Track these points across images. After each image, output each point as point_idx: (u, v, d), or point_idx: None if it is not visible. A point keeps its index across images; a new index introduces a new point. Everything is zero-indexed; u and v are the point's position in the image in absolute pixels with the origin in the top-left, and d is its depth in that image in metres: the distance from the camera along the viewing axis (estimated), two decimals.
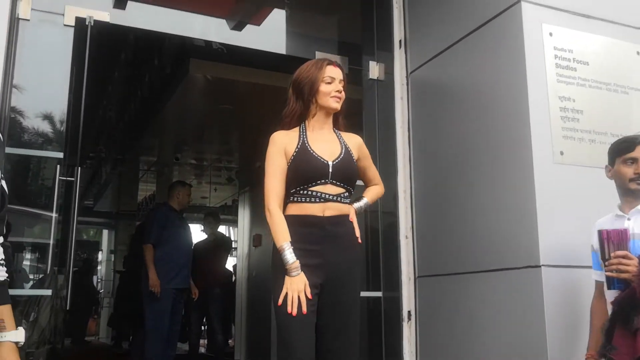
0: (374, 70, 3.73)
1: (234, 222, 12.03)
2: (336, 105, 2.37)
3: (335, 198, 2.29)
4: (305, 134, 2.37)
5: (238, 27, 3.74)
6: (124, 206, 10.73)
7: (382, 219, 3.50)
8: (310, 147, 2.33)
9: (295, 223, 2.25)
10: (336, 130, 2.46)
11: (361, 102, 3.80)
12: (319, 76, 2.35)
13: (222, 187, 11.38)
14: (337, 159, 2.33)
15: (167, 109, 6.59)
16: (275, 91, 5.35)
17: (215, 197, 12.45)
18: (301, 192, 2.28)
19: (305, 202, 2.27)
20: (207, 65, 5.52)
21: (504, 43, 2.87)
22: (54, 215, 2.87)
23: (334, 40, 3.92)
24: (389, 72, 3.68)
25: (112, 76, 5.96)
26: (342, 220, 2.30)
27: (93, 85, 3.14)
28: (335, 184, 2.30)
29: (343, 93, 2.39)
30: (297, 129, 2.39)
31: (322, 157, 2.31)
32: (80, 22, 3.05)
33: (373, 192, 2.53)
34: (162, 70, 5.88)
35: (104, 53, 5.16)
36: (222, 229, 8.18)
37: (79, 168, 3.06)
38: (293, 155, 2.30)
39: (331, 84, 2.36)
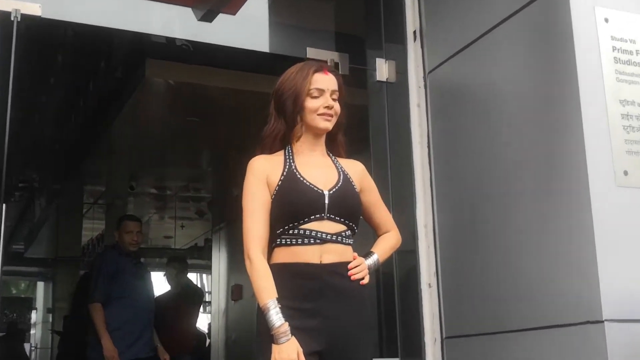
0: (382, 69, 3.76)
1: (206, 269, 12.00)
2: (325, 125, 2.41)
3: (334, 238, 2.31)
4: (292, 158, 2.40)
5: (207, 17, 3.78)
6: (64, 251, 10.69)
7: (397, 262, 3.50)
8: (299, 174, 2.36)
9: (284, 273, 2.26)
10: (331, 154, 2.49)
11: (366, 110, 3.83)
12: (303, 88, 2.38)
13: (190, 222, 11.38)
14: (334, 187, 2.36)
15: (118, 123, 6.63)
16: (257, 98, 5.34)
17: (183, 236, 12.43)
18: (290, 231, 2.29)
19: (297, 244, 2.28)
20: (169, 67, 5.57)
21: (547, 33, 2.89)
22: None
23: (331, 33, 3.96)
24: (401, 71, 3.71)
25: (47, 84, 6.00)
26: (344, 268, 2.31)
27: (22, 96, 3.16)
28: (334, 220, 2.32)
29: (337, 107, 2.42)
30: (281, 153, 2.43)
31: (315, 186, 2.34)
32: (4, 17, 3.07)
33: (386, 244, 2.54)
34: (111, 75, 5.93)
35: (35, 55, 5.21)
36: (191, 277, 8.16)
37: (4, 204, 3.07)
38: (278, 185, 2.33)
39: (319, 98, 2.40)
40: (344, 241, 2.33)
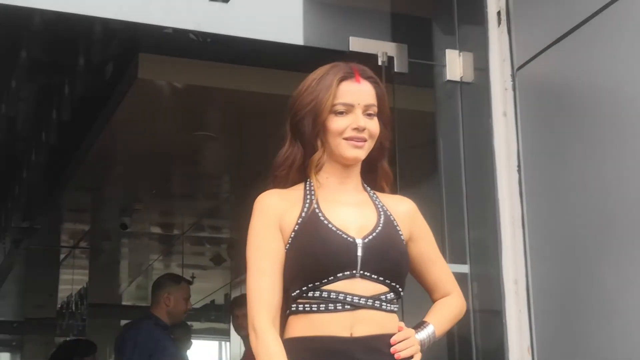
0: (455, 65, 3.75)
1: (223, 335, 11.98)
2: (354, 153, 2.40)
3: (370, 303, 2.29)
4: (314, 194, 2.39)
5: None
6: (34, 311, 10.85)
7: (477, 332, 3.46)
8: (323, 215, 2.35)
9: (302, 351, 2.25)
10: (368, 189, 2.49)
11: (432, 121, 3.82)
12: (324, 102, 2.37)
13: (204, 272, 11.43)
14: (370, 233, 2.35)
15: (103, 141, 6.70)
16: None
17: (194, 291, 12.45)
18: (310, 294, 2.29)
19: (319, 311, 2.28)
20: (170, 64, 5.61)
21: None
22: None
23: (382, 16, 3.95)
24: (481, 67, 3.70)
25: (7, 91, 6.09)
26: (385, 342, 2.29)
27: None
28: (370, 278, 2.31)
29: (372, 128, 2.40)
30: (300, 187, 2.44)
31: (344, 232, 2.33)
32: None
33: (445, 312, 2.53)
34: (91, 77, 5.98)
35: None
36: (206, 345, 8.16)
37: None
38: (294, 230, 2.33)
39: (346, 115, 2.38)
40: (384, 307, 2.31)
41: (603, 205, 3.11)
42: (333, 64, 2.49)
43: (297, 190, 2.41)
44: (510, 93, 3.59)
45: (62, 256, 10.57)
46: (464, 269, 3.46)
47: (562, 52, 3.35)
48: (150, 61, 5.53)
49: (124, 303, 11.98)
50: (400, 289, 2.37)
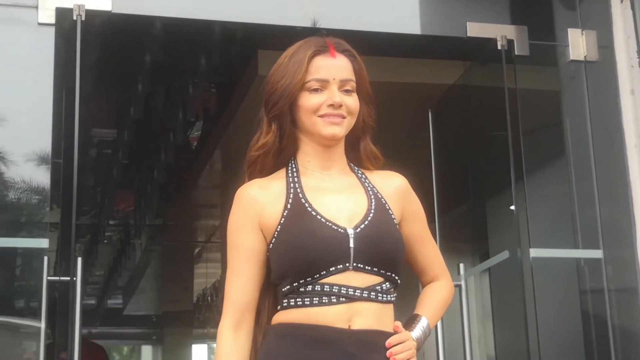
0: (578, 44, 3.70)
1: None
2: (331, 130, 2.19)
3: (366, 294, 2.13)
4: (298, 181, 2.22)
5: None
6: (172, 305, 11.03)
7: (615, 319, 3.38)
8: (310, 206, 2.17)
9: (287, 338, 2.13)
10: (355, 168, 2.30)
11: (558, 102, 3.79)
12: (296, 79, 2.19)
13: None
14: (362, 222, 2.16)
15: (228, 138, 6.76)
16: (404, 91, 5.40)
17: None
18: (302, 288, 2.15)
19: (312, 304, 2.14)
20: None
21: None
22: (42, 326, 2.99)
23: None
24: (605, 45, 3.64)
25: (135, 93, 6.22)
26: (382, 339, 2.12)
27: (107, 110, 3.25)
28: (364, 270, 2.14)
29: (350, 104, 2.21)
30: (281, 173, 2.25)
31: (334, 223, 2.15)
32: (63, 17, 3.18)
33: (436, 301, 2.33)
34: (213, 76, 6.05)
35: (111, 61, 5.41)
36: None
37: (80, 258, 3.21)
38: (281, 224, 2.16)
39: (321, 92, 2.19)
40: (380, 298, 2.14)
41: None
42: (306, 39, 2.28)
43: (279, 180, 2.22)
44: (637, 70, 3.53)
45: (195, 251, 10.72)
46: (597, 254, 3.38)
47: None
48: (270, 57, 5.53)
49: None
50: (397, 278, 2.18)
